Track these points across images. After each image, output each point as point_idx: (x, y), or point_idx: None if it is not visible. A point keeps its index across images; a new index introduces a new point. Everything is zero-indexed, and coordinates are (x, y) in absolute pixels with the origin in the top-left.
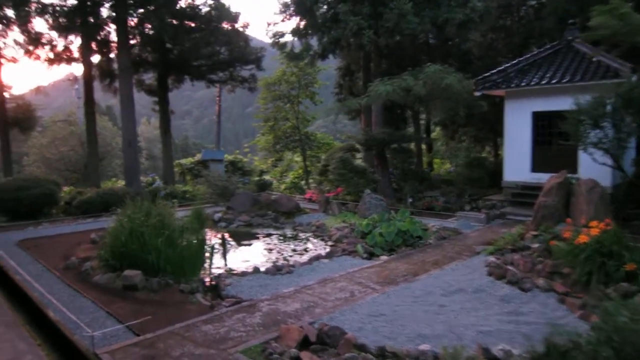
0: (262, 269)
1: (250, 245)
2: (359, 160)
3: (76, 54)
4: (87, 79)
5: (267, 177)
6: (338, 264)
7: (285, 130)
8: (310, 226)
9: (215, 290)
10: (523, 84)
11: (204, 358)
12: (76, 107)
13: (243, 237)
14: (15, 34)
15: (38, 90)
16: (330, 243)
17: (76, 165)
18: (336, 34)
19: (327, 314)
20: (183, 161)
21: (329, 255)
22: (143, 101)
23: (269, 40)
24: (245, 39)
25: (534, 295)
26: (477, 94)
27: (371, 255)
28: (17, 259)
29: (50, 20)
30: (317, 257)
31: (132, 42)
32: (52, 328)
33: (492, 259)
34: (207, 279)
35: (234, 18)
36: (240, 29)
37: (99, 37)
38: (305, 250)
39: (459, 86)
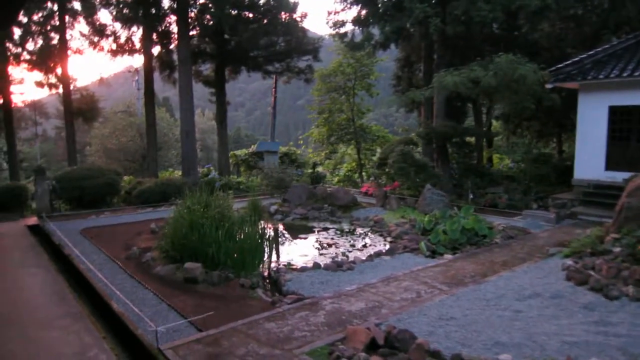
0: (322, 264)
1: (307, 239)
2: (416, 154)
3: (137, 46)
4: (147, 70)
5: (320, 169)
6: (400, 262)
7: (340, 122)
8: (368, 221)
9: (276, 285)
10: (601, 76)
11: (269, 358)
12: (135, 99)
13: (299, 230)
14: (81, 25)
15: (101, 81)
16: (389, 239)
17: (135, 155)
18: (400, 22)
19: (394, 316)
20: (237, 152)
21: (390, 252)
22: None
23: (325, 32)
24: (303, 29)
25: (622, 305)
26: (549, 86)
27: (434, 254)
28: (81, 247)
29: (114, 12)
30: (378, 254)
31: (191, 33)
32: (116, 320)
33: (569, 262)
34: (266, 274)
35: (292, 8)
36: (298, 19)
37: (160, 29)
38: (364, 246)
39: (533, 77)
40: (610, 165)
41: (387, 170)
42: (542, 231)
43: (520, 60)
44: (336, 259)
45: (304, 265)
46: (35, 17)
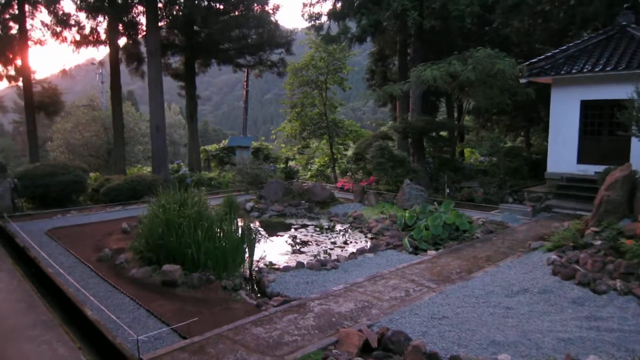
0: (305, 263)
1: (286, 236)
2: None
3: (103, 37)
4: (114, 62)
5: (292, 164)
6: (384, 259)
7: (312, 116)
8: (347, 217)
9: (259, 286)
10: (574, 70)
11: None
12: (99, 92)
13: (277, 228)
14: (43, 15)
15: (64, 73)
16: (370, 235)
17: (99, 150)
18: (377, 15)
19: (385, 316)
20: (208, 147)
21: (373, 250)
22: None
23: (298, 25)
24: (275, 22)
25: (610, 299)
26: (523, 80)
27: (417, 250)
28: (48, 249)
29: (78, 1)
30: (362, 251)
31: (160, 24)
32: (92, 328)
33: (553, 256)
34: (248, 274)
35: (264, 0)
36: (271, 12)
37: (126, 19)
38: (346, 243)
39: (511, 72)
40: (582, 158)
41: (362, 165)
42: (520, 225)
43: (499, 55)
44: (319, 257)
45: (287, 264)
46: None
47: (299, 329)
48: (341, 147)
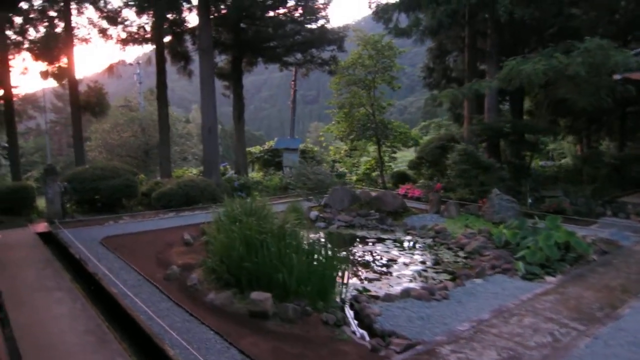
0: (410, 290)
1: (363, 253)
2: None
3: (149, 35)
4: (160, 61)
5: (339, 167)
6: (497, 287)
7: (360, 117)
8: (427, 230)
9: (361, 319)
10: None
11: None
12: (136, 92)
13: (349, 241)
14: (89, 12)
15: (110, 70)
16: (463, 254)
17: (137, 151)
18: (456, 5)
19: None
20: (251, 149)
21: (480, 274)
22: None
23: (347, 20)
24: (326, 17)
25: None
26: (617, 76)
27: (530, 275)
28: (106, 262)
29: None
30: (467, 276)
31: None
32: None
33: None
34: (341, 302)
35: None
36: (321, 7)
37: (175, 15)
38: (438, 263)
39: (626, 65)
40: None
41: (422, 169)
42: (635, 244)
43: (610, 46)
44: (424, 284)
45: (385, 291)
46: (36, 3)
47: None
48: (389, 149)
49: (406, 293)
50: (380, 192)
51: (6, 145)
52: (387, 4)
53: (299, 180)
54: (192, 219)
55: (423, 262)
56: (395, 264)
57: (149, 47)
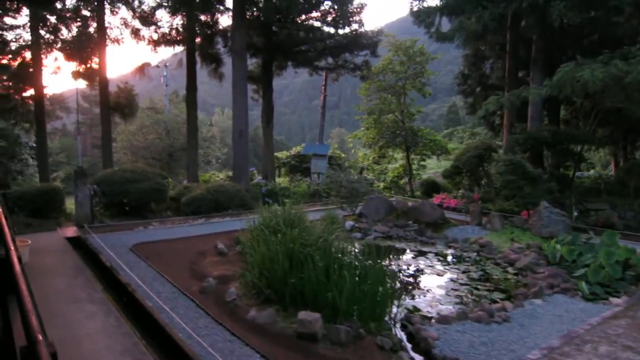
0: (467, 311)
1: (406, 267)
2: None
3: (180, 37)
4: (190, 62)
5: (367, 174)
6: (559, 308)
7: (389, 124)
8: (470, 244)
9: (416, 343)
10: None
11: None
12: (162, 95)
13: (388, 254)
14: (122, 11)
15: (141, 71)
16: (513, 271)
17: (161, 154)
18: (504, 8)
19: None
20: (278, 154)
21: (538, 294)
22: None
23: (379, 24)
24: (360, 21)
25: None
26: None
27: (593, 296)
28: (138, 272)
29: None
30: (524, 295)
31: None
32: None
33: None
34: (394, 322)
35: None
36: (356, 11)
37: (206, 18)
38: (487, 279)
39: None
40: None
41: (458, 180)
42: None
43: None
44: (484, 306)
45: (437, 311)
46: (70, 2)
47: None
48: (418, 157)
49: (463, 314)
50: (418, 202)
51: (34, 145)
52: (429, 8)
53: (333, 187)
54: (223, 226)
55: (471, 278)
56: (442, 279)
57: (177, 49)
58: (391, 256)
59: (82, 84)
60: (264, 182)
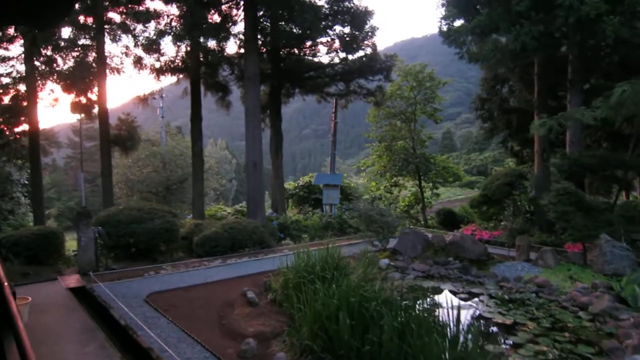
0: None
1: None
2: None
3: (183, 65)
4: (195, 92)
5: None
6: None
7: (399, 151)
8: (524, 283)
9: None
10: None
11: None
12: (159, 126)
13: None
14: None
15: (143, 101)
16: (586, 316)
17: (158, 187)
18: (546, 26)
19: None
20: (286, 185)
21: (638, 349)
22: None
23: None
24: (374, 45)
25: None
26: None
27: None
28: (159, 331)
29: (162, 24)
30: (620, 350)
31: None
32: None
33: None
34: None
35: (361, 24)
36: (370, 33)
37: (214, 46)
38: (562, 329)
39: None
40: None
41: (484, 209)
42: None
43: None
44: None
45: None
46: (65, 33)
47: None
48: (430, 184)
49: None
50: (457, 237)
51: (26, 182)
52: (460, 27)
53: (362, 221)
54: (244, 269)
55: (543, 327)
56: (510, 328)
57: (175, 79)
58: (439, 299)
59: (75, 117)
60: (275, 215)
